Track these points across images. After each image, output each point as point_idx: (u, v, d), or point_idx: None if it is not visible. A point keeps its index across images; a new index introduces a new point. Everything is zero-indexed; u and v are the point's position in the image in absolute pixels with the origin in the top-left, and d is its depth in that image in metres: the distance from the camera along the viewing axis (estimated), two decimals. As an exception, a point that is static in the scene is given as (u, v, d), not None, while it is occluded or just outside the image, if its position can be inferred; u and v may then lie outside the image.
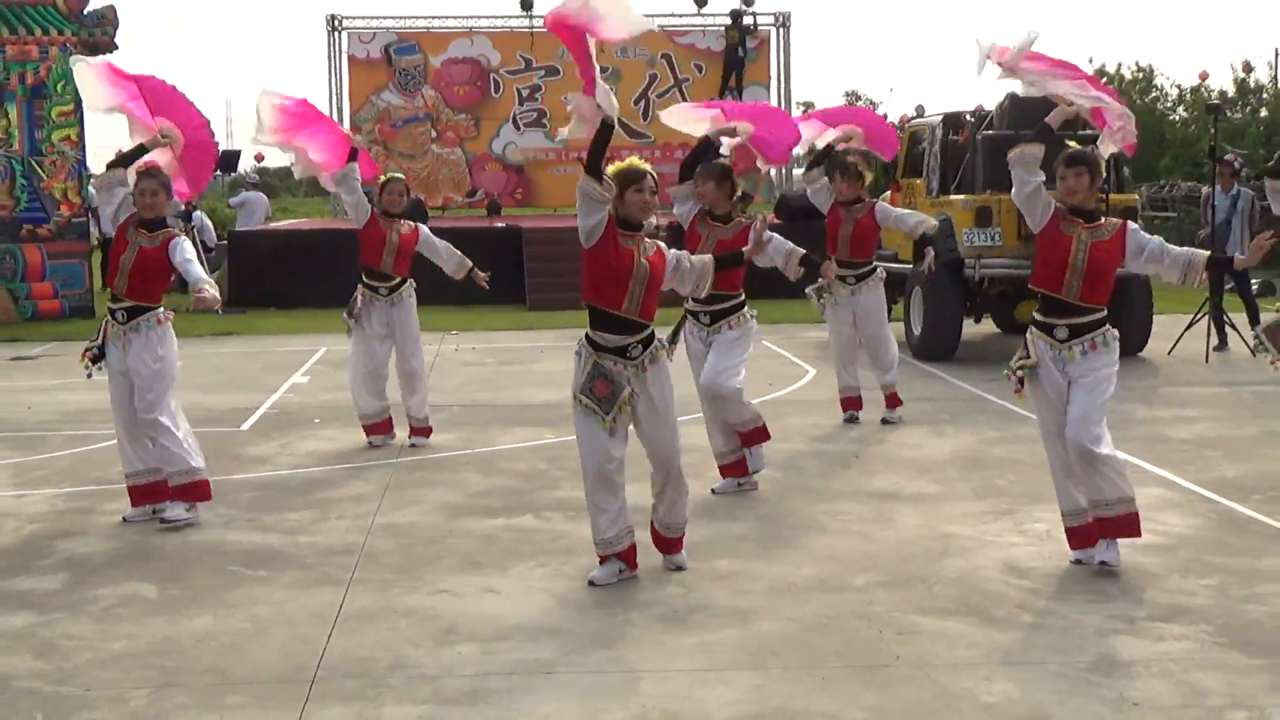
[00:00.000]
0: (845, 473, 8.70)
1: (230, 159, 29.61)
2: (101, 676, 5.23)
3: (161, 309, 7.65)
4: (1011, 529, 7.20)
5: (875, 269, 10.35)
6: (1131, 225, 6.53)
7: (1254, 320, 14.22)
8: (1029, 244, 12.85)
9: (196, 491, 7.60)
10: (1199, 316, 14.11)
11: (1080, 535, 6.50)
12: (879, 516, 7.54)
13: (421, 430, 9.80)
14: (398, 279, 9.59)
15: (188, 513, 7.54)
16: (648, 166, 6.29)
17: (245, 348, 16.03)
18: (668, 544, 6.63)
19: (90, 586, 6.41)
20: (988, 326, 15.35)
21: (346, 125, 25.55)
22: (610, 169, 6.14)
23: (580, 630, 5.69)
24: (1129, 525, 6.38)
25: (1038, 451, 8.08)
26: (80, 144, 20.17)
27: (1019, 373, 6.45)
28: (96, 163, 24.10)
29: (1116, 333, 6.45)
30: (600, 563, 6.33)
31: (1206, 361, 13.44)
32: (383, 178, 9.90)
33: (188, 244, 7.70)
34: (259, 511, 7.85)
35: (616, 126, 6.13)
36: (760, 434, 8.18)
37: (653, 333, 6.32)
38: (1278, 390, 11.78)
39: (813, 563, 6.64)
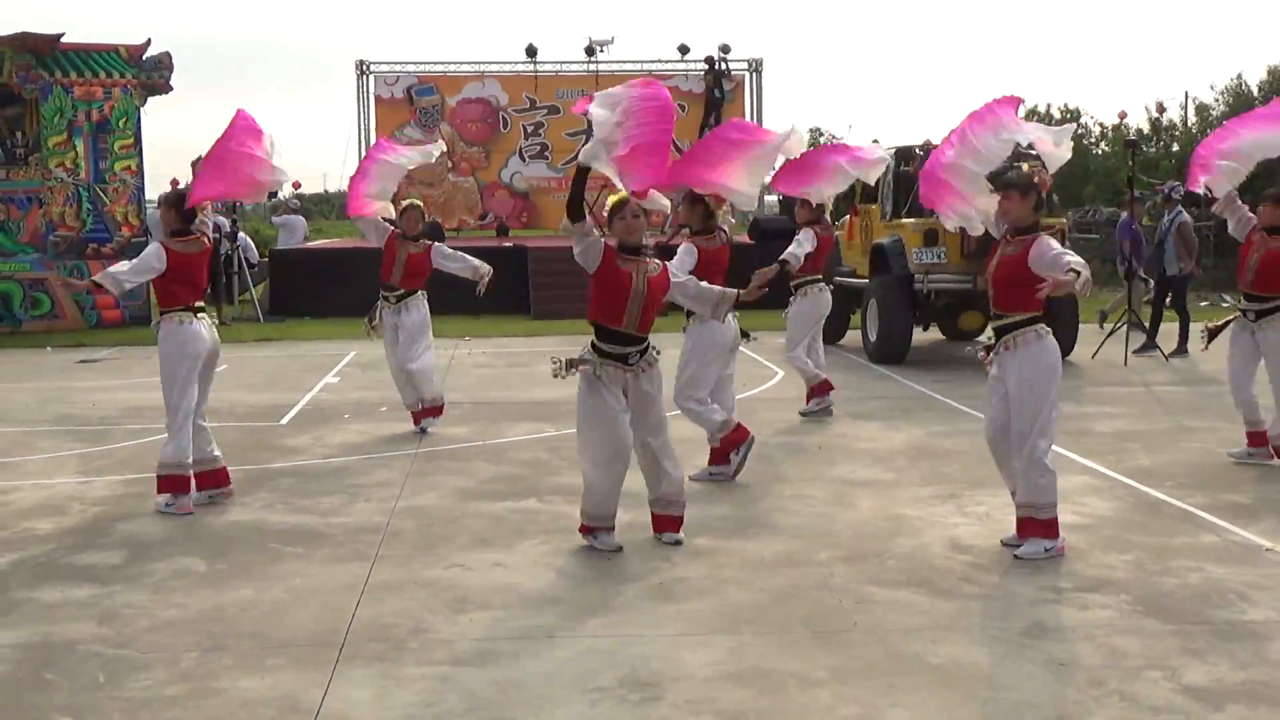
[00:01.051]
0: (810, 462, 8.69)
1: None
2: (156, 640, 5.22)
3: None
4: (955, 511, 7.20)
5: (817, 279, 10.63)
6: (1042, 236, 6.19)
7: (1184, 329, 14.28)
8: (970, 261, 12.95)
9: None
10: (1119, 325, 14.13)
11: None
12: (839, 500, 7.54)
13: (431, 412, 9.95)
14: (404, 290, 9.74)
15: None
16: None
17: (284, 352, 15.99)
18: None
19: (147, 561, 6.39)
20: (934, 334, 15.37)
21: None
22: (607, 202, 6.23)
23: (578, 600, 5.68)
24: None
25: (979, 444, 8.08)
26: (139, 173, 20.15)
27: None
28: (153, 189, 24.13)
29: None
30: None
31: (1125, 364, 13.45)
32: (402, 203, 9.95)
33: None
34: (296, 496, 7.82)
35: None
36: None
37: (648, 344, 6.36)
38: (1186, 390, 11.81)
39: (781, 540, 6.63)
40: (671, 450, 6.51)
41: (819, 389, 10.49)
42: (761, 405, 10.93)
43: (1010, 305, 6.23)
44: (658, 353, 6.44)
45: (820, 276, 10.56)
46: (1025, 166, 6.49)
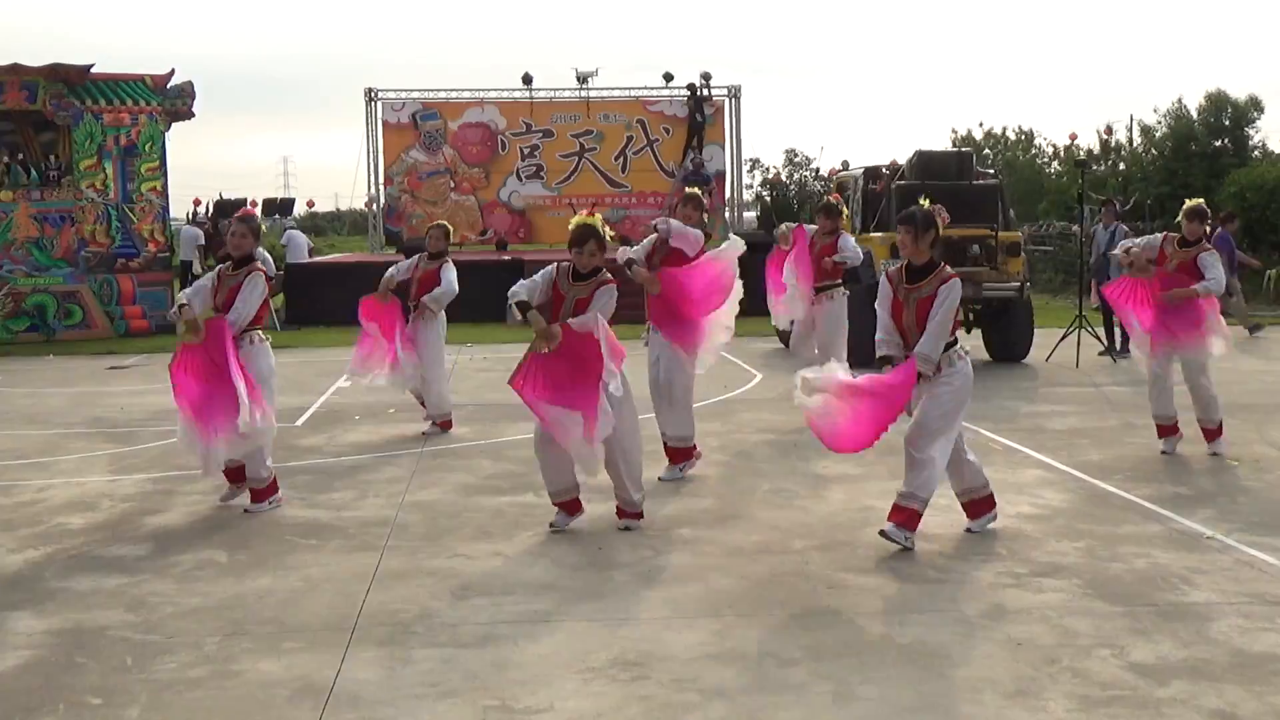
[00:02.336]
0: (786, 458, 8.69)
1: (286, 205, 29.43)
2: (181, 626, 5.20)
3: (259, 331, 7.34)
4: (920, 502, 7.20)
5: (837, 285, 10.39)
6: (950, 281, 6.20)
7: (1124, 335, 14.40)
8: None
9: (272, 489, 7.36)
10: (1071, 330, 14.17)
11: (969, 509, 6.57)
12: (813, 493, 7.54)
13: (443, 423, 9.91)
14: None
15: (269, 505, 7.29)
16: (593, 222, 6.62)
17: (299, 358, 15.92)
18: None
19: (172, 553, 6.36)
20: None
21: (380, 178, 25.57)
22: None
23: (572, 586, 5.67)
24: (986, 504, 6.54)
25: (941, 440, 8.08)
26: (164, 193, 20.15)
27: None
28: (177, 209, 24.08)
29: (965, 350, 6.37)
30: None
31: (1077, 366, 13.47)
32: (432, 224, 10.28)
33: (257, 282, 7.20)
34: (311, 491, 7.80)
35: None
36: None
37: None
38: (1132, 391, 11.83)
39: (760, 530, 6.63)
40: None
41: None
42: (741, 406, 10.93)
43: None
44: None
45: (840, 282, 10.41)
46: (925, 202, 6.37)
